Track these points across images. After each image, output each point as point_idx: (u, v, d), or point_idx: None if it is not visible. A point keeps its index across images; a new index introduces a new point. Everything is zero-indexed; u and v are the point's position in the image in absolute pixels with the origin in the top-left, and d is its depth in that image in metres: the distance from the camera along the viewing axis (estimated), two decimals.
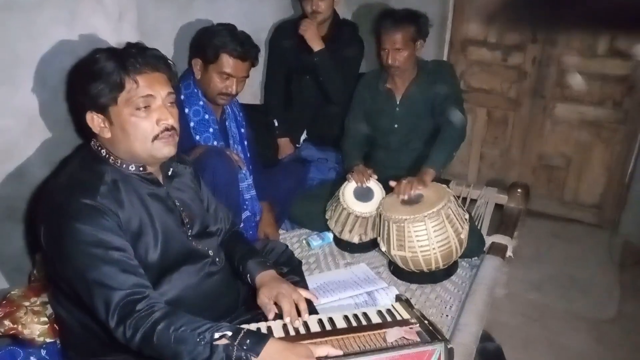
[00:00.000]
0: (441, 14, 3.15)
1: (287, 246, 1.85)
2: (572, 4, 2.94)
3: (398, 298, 1.48)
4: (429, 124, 2.38)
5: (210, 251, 1.44)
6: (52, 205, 1.19)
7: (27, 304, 1.45)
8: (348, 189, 2.27)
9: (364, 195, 2.26)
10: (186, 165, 1.50)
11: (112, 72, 1.21)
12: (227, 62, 1.95)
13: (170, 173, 1.40)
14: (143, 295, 1.15)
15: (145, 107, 1.24)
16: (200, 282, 1.38)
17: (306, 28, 2.49)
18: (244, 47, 1.95)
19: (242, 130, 2.22)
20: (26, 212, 1.61)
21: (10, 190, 1.57)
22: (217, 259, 1.45)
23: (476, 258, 2.23)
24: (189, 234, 1.39)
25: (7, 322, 1.41)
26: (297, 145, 2.84)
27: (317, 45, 2.52)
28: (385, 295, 1.92)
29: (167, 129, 1.26)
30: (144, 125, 1.24)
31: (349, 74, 2.67)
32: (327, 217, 2.34)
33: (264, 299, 1.36)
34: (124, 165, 1.28)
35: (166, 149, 1.28)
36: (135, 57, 1.24)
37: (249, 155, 2.23)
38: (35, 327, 1.42)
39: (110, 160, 1.28)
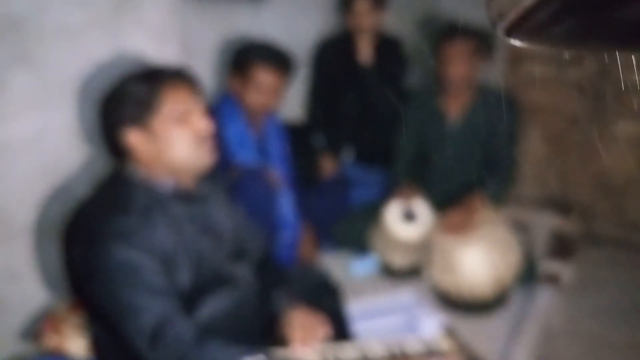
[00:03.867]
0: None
1: (324, 272, 1.85)
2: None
3: (442, 327, 1.46)
4: (479, 150, 2.34)
5: (242, 274, 1.46)
6: (84, 228, 1.25)
7: (71, 318, 1.50)
8: (393, 210, 2.26)
9: (409, 216, 2.24)
10: (221, 183, 1.55)
11: (149, 86, 1.28)
12: (262, 75, 2.00)
13: (205, 191, 1.44)
14: (174, 321, 1.18)
15: (183, 118, 1.29)
16: (231, 305, 1.40)
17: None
18: (278, 60, 2.00)
19: (283, 147, 2.25)
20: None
21: (56, 206, 1.65)
22: (249, 283, 1.47)
23: (529, 286, 2.17)
24: (223, 255, 1.41)
25: (51, 336, 1.46)
26: (340, 164, 2.84)
27: (365, 61, 2.52)
28: (429, 324, 1.89)
29: (206, 137, 1.32)
30: (185, 135, 1.29)
31: (394, 90, 2.67)
32: (370, 238, 2.33)
33: (289, 331, 1.38)
34: (161, 184, 1.32)
35: (207, 158, 1.34)
36: (166, 73, 1.31)
37: (289, 173, 2.25)
38: (79, 342, 1.47)
39: (146, 181, 1.32)
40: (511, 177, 2.27)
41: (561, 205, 2.84)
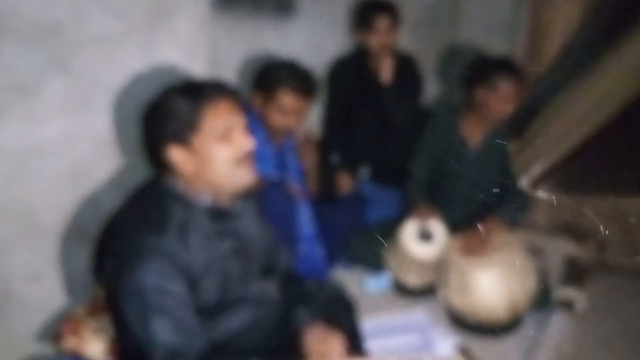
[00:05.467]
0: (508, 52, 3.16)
1: (340, 287, 1.86)
2: None
3: (456, 348, 1.47)
4: (497, 174, 2.36)
5: (269, 291, 1.47)
6: (119, 241, 1.26)
7: (90, 322, 1.53)
8: (409, 229, 2.28)
9: (425, 236, 2.26)
10: (254, 199, 1.55)
11: (191, 103, 1.28)
12: (286, 98, 2.02)
13: (239, 207, 1.45)
14: (188, 347, 1.22)
15: (225, 135, 1.29)
16: (255, 321, 1.41)
17: None
18: (303, 84, 2.03)
19: (299, 164, 2.29)
20: (93, 234, 1.72)
21: (81, 212, 1.70)
22: (275, 299, 1.48)
23: (543, 311, 2.18)
24: (251, 272, 1.43)
25: (70, 339, 1.49)
26: (357, 181, 2.87)
27: (386, 79, 2.56)
28: (443, 344, 1.90)
29: (247, 156, 1.32)
30: (226, 152, 1.29)
31: (411, 109, 2.71)
32: (385, 256, 2.35)
33: (306, 346, 1.40)
34: (199, 201, 1.33)
35: (247, 177, 1.33)
36: (209, 89, 1.31)
37: (306, 188, 2.28)
38: (98, 345, 1.49)
39: (185, 196, 1.32)
40: (528, 202, 2.29)
41: (575, 232, 2.85)
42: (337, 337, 1.42)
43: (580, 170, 0.33)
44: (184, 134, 1.28)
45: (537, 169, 0.37)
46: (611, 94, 0.25)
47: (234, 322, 1.37)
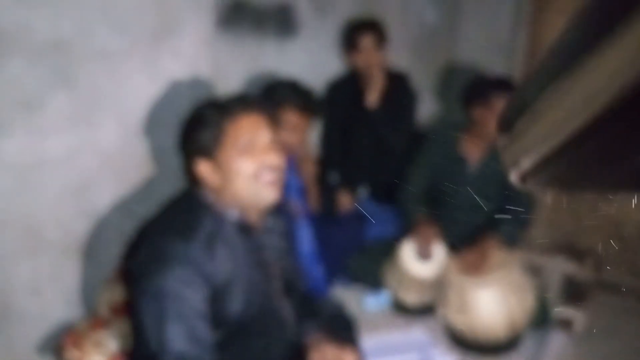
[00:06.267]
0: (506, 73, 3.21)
1: (341, 304, 1.87)
2: None
3: None
4: (496, 193, 2.38)
5: (288, 311, 1.47)
6: (146, 245, 1.27)
7: (92, 335, 1.54)
8: (408, 248, 2.30)
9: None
10: (283, 218, 1.55)
11: (215, 119, 1.31)
12: (290, 118, 2.05)
13: (268, 225, 1.45)
14: (200, 358, 1.22)
15: (248, 149, 1.30)
16: (273, 342, 1.42)
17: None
18: (306, 102, 2.06)
19: (299, 181, 2.30)
20: (94, 248, 1.74)
21: (79, 225, 1.71)
22: (292, 319, 1.48)
23: (541, 330, 2.19)
24: (272, 291, 1.43)
25: (72, 351, 1.49)
26: (356, 200, 2.88)
27: (372, 101, 2.59)
28: None
29: (272, 169, 1.32)
30: (248, 165, 1.30)
31: (405, 125, 2.73)
32: (384, 274, 2.36)
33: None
34: (227, 214, 1.34)
35: (271, 193, 1.33)
36: (234, 104, 1.34)
37: (306, 207, 2.30)
38: (99, 358, 1.50)
39: (214, 209, 1.34)
40: (526, 221, 2.32)
41: (574, 251, 2.86)
42: (353, 353, 1.43)
43: (569, 165, 0.34)
44: (209, 148, 1.31)
45: (526, 163, 0.38)
46: (600, 90, 0.27)
47: (255, 342, 1.37)
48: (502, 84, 2.26)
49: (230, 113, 1.32)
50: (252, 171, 1.30)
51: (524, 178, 0.41)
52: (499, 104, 2.19)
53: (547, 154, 0.34)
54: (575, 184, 0.39)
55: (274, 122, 1.40)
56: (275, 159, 1.33)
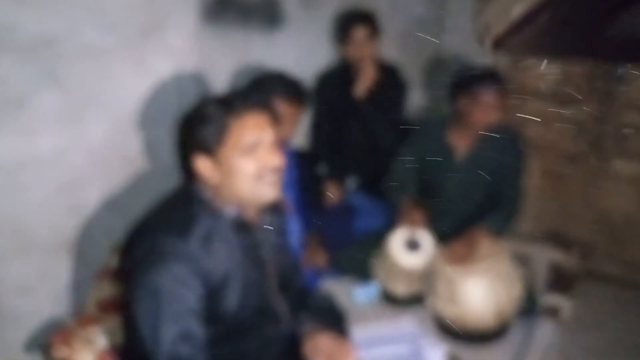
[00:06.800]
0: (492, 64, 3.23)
1: (331, 297, 1.89)
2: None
3: (447, 357, 1.49)
4: (484, 183, 2.40)
5: (284, 308, 1.48)
6: (142, 242, 1.27)
7: (81, 333, 1.54)
8: (396, 238, 2.31)
9: (412, 245, 2.29)
10: (280, 215, 1.56)
11: (219, 115, 1.30)
12: (280, 107, 2.03)
13: (265, 222, 1.45)
14: (193, 358, 1.23)
15: (250, 149, 1.31)
16: (270, 339, 1.43)
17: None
18: (295, 92, 2.06)
19: (290, 174, 2.31)
20: (84, 246, 1.74)
21: (67, 222, 1.71)
22: (287, 318, 1.49)
23: (529, 319, 2.22)
24: (269, 288, 1.44)
25: (61, 349, 1.50)
26: (345, 192, 2.90)
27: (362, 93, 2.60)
28: (433, 353, 1.93)
29: (273, 170, 1.33)
30: (250, 165, 1.30)
31: (395, 117, 2.75)
32: (373, 266, 2.38)
33: (309, 351, 1.42)
34: (224, 211, 1.35)
35: (271, 192, 1.34)
36: (240, 101, 1.33)
37: (295, 200, 2.31)
38: (88, 356, 1.50)
39: (211, 205, 1.34)
40: (514, 211, 2.35)
41: (561, 240, 2.90)
42: (349, 345, 1.44)
43: (540, 30, 0.35)
44: (210, 145, 1.30)
45: (499, 27, 0.40)
46: None
47: (251, 339, 1.38)
48: (487, 75, 2.28)
49: (236, 110, 1.31)
50: (254, 172, 1.31)
51: (497, 44, 0.42)
52: (485, 95, 2.21)
53: (520, 17, 0.35)
54: (546, 49, 0.40)
55: (277, 120, 1.40)
56: (277, 161, 1.33)
